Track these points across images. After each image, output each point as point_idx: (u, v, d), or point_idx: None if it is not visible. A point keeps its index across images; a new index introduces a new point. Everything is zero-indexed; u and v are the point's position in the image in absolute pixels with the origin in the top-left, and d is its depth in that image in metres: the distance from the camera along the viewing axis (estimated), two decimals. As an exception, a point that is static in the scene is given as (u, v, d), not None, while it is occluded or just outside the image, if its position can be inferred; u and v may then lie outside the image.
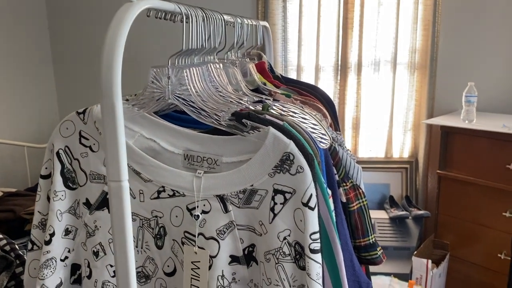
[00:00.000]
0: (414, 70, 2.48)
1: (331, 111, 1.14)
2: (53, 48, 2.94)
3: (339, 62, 2.55)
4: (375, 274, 2.10)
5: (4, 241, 1.29)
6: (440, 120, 2.20)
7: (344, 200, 0.85)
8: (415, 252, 2.17)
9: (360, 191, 0.87)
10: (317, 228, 0.67)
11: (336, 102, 2.60)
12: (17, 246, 1.32)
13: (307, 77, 2.61)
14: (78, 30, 2.90)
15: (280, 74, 1.26)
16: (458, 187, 2.14)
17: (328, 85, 2.59)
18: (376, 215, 2.40)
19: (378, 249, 0.87)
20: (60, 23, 2.90)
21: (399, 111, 2.56)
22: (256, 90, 1.01)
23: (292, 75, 2.61)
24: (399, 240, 2.28)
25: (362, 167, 2.66)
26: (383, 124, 2.59)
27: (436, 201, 2.24)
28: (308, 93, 1.13)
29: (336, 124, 1.17)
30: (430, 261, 2.10)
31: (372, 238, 0.87)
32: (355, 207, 0.86)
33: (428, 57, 2.40)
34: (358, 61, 2.52)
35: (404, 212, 2.36)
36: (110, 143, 0.56)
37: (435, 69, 2.41)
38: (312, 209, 0.67)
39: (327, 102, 1.18)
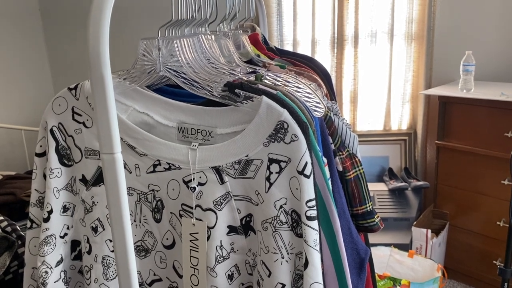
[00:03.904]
0: (411, 41, 2.46)
1: (326, 82, 1.13)
2: (46, 31, 2.90)
3: (336, 35, 2.53)
4: (376, 245, 2.13)
5: (5, 223, 1.30)
6: (438, 91, 2.19)
7: (340, 169, 0.85)
8: (415, 222, 2.19)
9: (357, 159, 0.87)
10: (313, 196, 0.67)
11: (333, 76, 2.58)
12: (18, 227, 1.33)
13: (303, 51, 2.59)
14: (70, 10, 2.86)
15: (275, 46, 1.24)
16: (457, 157, 2.15)
17: (325, 59, 2.57)
18: (376, 187, 2.42)
19: (375, 217, 0.87)
20: (52, 4, 2.86)
21: (397, 83, 2.54)
22: (250, 62, 1.00)
23: (288, 49, 2.58)
24: (399, 211, 2.30)
25: (361, 141, 2.67)
26: (381, 97, 2.58)
27: (435, 172, 2.24)
28: (303, 64, 1.12)
29: (332, 94, 1.16)
30: (429, 230, 2.12)
31: (369, 206, 0.87)
32: (352, 176, 0.86)
33: (425, 27, 2.37)
34: (355, 33, 2.49)
35: (403, 184, 2.37)
36: (101, 115, 0.55)
37: (433, 39, 2.39)
38: (308, 177, 0.67)
39: (322, 73, 1.16)
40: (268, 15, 2.54)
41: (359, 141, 2.73)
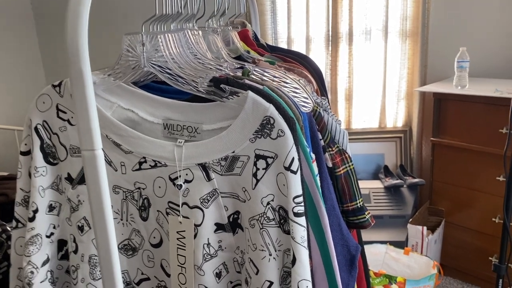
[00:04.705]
0: (405, 38, 2.45)
1: (317, 78, 1.12)
2: (40, 31, 2.88)
3: (330, 33, 2.52)
4: (371, 242, 2.12)
5: (-5, 223, 1.28)
6: (433, 87, 2.18)
7: (330, 165, 0.84)
8: (411, 219, 2.19)
9: (346, 155, 0.86)
10: (300, 192, 0.66)
11: (328, 74, 2.57)
12: (9, 228, 1.32)
13: (298, 49, 2.58)
14: (64, 10, 2.84)
15: (266, 43, 1.23)
16: (452, 154, 2.14)
17: (319, 56, 2.56)
18: (371, 184, 2.41)
19: (366, 213, 0.86)
20: (45, 4, 2.84)
21: (391, 80, 2.53)
22: (239, 58, 0.99)
23: (283, 47, 2.57)
24: (395, 209, 2.29)
25: (356, 138, 2.65)
26: (376, 94, 2.57)
27: (431, 169, 2.24)
28: (294, 61, 1.11)
29: (323, 91, 1.15)
30: (425, 228, 2.11)
31: (359, 202, 0.86)
32: (342, 172, 0.85)
33: (420, 24, 2.36)
34: (349, 30, 2.48)
35: (399, 181, 2.36)
36: (81, 111, 0.54)
37: (427, 36, 2.38)
38: (295, 172, 0.66)
39: (313, 69, 1.15)
40: (262, 13, 2.53)
41: (354, 138, 2.71)
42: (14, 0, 2.71)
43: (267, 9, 2.54)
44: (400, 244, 2.14)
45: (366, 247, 2.08)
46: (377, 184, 2.41)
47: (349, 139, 2.63)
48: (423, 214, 2.27)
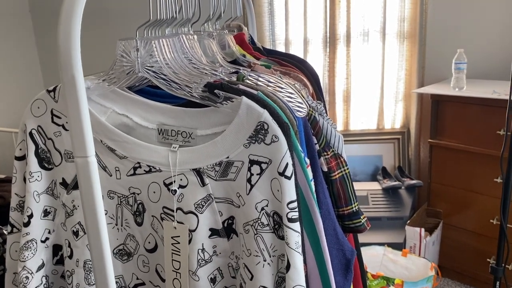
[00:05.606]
0: (403, 39, 2.45)
1: (314, 82, 1.12)
2: (37, 32, 2.88)
3: (328, 34, 2.51)
4: (369, 244, 2.12)
5: (-8, 227, 1.28)
6: (430, 89, 2.18)
7: (325, 169, 0.84)
8: (409, 221, 2.19)
9: (342, 159, 0.86)
10: (294, 197, 0.66)
11: (326, 75, 2.57)
12: (5, 231, 1.31)
13: (296, 51, 2.58)
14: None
15: (262, 46, 1.23)
16: (450, 155, 2.14)
17: (317, 58, 2.56)
18: (369, 186, 2.41)
19: (361, 217, 0.86)
20: (43, 5, 2.84)
21: (389, 82, 2.53)
22: (235, 62, 0.99)
23: (280, 49, 2.58)
24: (393, 210, 2.29)
25: (354, 140, 2.65)
26: (374, 96, 2.57)
27: (429, 170, 2.24)
28: (290, 64, 1.11)
29: (320, 95, 1.15)
30: (423, 229, 2.11)
31: (355, 206, 0.86)
32: (337, 176, 0.85)
33: (417, 25, 2.36)
34: (347, 32, 2.48)
35: (396, 183, 2.36)
36: (73, 117, 0.54)
37: (425, 37, 2.38)
38: (289, 178, 0.66)
39: (310, 73, 1.15)
40: (260, 15, 2.53)
41: (352, 140, 2.71)
42: (12, 2, 2.71)
43: (264, 11, 2.54)
44: (398, 246, 2.14)
45: (363, 249, 2.08)
46: (375, 186, 2.41)
47: (347, 140, 2.63)
48: (421, 215, 2.27)
